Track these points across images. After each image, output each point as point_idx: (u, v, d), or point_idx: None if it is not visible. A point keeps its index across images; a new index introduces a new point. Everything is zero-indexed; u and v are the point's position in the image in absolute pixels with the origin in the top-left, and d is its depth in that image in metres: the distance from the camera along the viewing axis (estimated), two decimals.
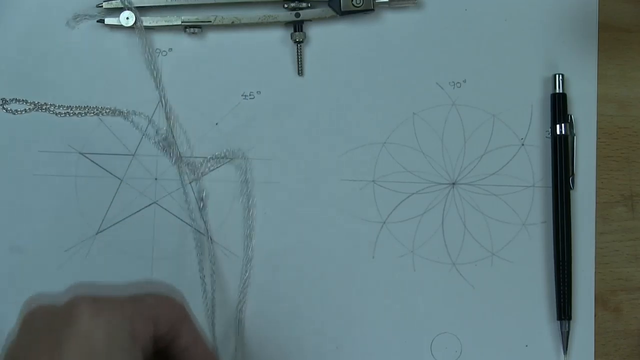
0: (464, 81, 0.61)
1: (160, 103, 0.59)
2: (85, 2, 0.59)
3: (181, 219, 0.59)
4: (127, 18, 0.59)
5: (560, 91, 0.60)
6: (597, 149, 0.61)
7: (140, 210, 0.59)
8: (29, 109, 0.58)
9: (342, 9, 0.60)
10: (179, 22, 0.59)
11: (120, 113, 0.59)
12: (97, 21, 0.59)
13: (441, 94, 0.61)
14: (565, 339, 0.58)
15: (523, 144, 0.60)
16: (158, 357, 0.44)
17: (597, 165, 0.61)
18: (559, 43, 0.61)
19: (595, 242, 0.60)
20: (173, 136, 0.59)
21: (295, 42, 0.60)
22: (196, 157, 0.59)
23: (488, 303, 0.59)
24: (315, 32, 0.61)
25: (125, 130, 0.59)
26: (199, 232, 0.59)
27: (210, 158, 0.59)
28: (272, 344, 0.58)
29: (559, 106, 0.60)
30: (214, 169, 0.59)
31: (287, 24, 0.60)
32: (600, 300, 0.60)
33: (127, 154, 0.59)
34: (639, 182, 0.61)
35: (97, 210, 0.59)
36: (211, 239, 0.59)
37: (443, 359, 0.59)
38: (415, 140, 0.60)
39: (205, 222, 0.59)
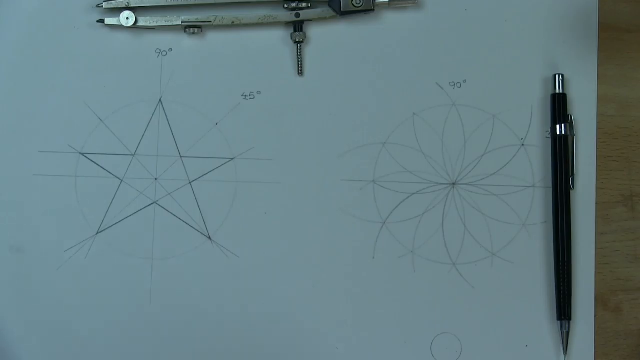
0: (464, 81, 0.61)
1: (160, 103, 0.59)
2: (85, 2, 0.60)
3: (181, 219, 0.59)
4: (127, 18, 0.59)
5: (560, 91, 0.60)
6: (597, 149, 0.61)
7: (140, 210, 0.59)
8: None
9: (342, 9, 0.60)
10: (179, 22, 0.59)
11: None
12: (97, 21, 0.59)
13: (441, 94, 0.61)
14: (565, 339, 0.58)
15: (523, 144, 0.60)
16: None
17: (597, 165, 0.60)
18: (559, 43, 0.61)
19: (595, 242, 0.60)
20: (173, 136, 0.59)
21: (295, 42, 0.60)
22: (196, 157, 0.59)
23: (488, 303, 0.59)
24: (315, 32, 0.61)
25: (125, 130, 0.59)
26: (199, 232, 0.59)
27: (210, 158, 0.59)
28: (272, 344, 0.58)
29: (559, 106, 0.60)
30: (214, 169, 0.59)
31: (287, 24, 0.60)
32: (600, 300, 0.60)
33: (127, 154, 0.59)
34: (639, 182, 0.61)
35: (97, 210, 0.59)
36: (211, 239, 0.59)
37: (443, 359, 0.59)
38: (415, 140, 0.60)
39: (205, 222, 0.59)
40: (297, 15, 0.60)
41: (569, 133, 0.60)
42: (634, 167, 0.61)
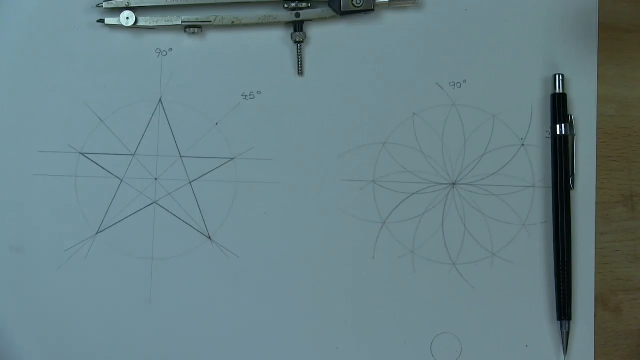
0: (464, 81, 0.61)
1: (160, 103, 0.59)
2: (85, 2, 0.60)
3: (181, 219, 0.59)
4: (127, 18, 0.59)
5: (560, 91, 0.60)
6: (597, 149, 0.61)
7: (140, 210, 0.59)
8: None
9: (342, 9, 0.60)
10: (179, 22, 0.59)
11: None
12: (97, 21, 0.59)
13: (441, 94, 0.61)
14: (565, 339, 0.58)
15: (523, 144, 0.60)
16: None
17: (597, 165, 0.60)
18: (559, 43, 0.61)
19: (595, 242, 0.60)
20: (173, 136, 0.59)
21: (295, 42, 0.60)
22: (196, 157, 0.59)
23: (488, 303, 0.59)
24: (315, 32, 0.61)
25: (125, 130, 0.59)
26: (199, 232, 0.59)
27: (210, 158, 0.59)
28: (272, 344, 0.58)
29: (559, 106, 0.60)
30: (214, 169, 0.59)
31: (287, 24, 0.60)
32: (600, 300, 0.60)
33: (127, 154, 0.59)
34: (639, 182, 0.61)
35: (97, 210, 0.59)
36: (211, 239, 0.59)
37: (443, 359, 0.59)
38: (415, 140, 0.60)
39: (205, 222, 0.59)
40: (297, 15, 0.60)
41: (569, 133, 0.60)
42: (634, 167, 0.61)
